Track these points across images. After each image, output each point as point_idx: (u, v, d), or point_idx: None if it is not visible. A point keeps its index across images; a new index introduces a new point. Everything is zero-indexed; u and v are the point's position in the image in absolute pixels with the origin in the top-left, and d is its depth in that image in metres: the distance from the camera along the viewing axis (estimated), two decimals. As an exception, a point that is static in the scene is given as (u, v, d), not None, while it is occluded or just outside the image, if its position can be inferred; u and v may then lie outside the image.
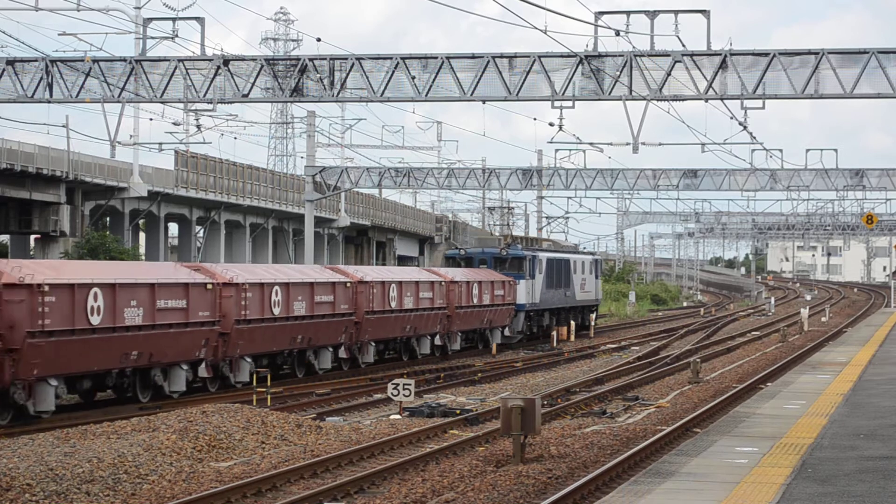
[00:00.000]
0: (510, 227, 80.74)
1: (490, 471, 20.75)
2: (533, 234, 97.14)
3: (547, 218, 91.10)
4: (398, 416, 29.11)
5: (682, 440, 22.96)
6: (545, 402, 30.52)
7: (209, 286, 32.26)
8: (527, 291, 54.78)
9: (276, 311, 35.23)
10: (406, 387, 28.75)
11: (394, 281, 42.45)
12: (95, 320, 27.97)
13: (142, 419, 24.28)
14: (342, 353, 39.56)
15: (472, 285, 48.55)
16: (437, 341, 46.07)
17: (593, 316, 65.99)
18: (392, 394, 29.02)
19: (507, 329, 53.09)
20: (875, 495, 15.03)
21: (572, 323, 60.33)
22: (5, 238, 74.52)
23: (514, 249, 56.27)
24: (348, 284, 39.40)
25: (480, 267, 54.66)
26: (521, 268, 55.10)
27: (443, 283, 45.59)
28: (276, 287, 35.12)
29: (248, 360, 34.01)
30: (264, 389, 31.21)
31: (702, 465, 17.38)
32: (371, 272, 42.49)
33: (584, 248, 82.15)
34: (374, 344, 41.24)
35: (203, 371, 32.60)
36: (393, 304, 42.12)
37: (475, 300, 48.90)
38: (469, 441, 24.08)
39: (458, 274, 48.55)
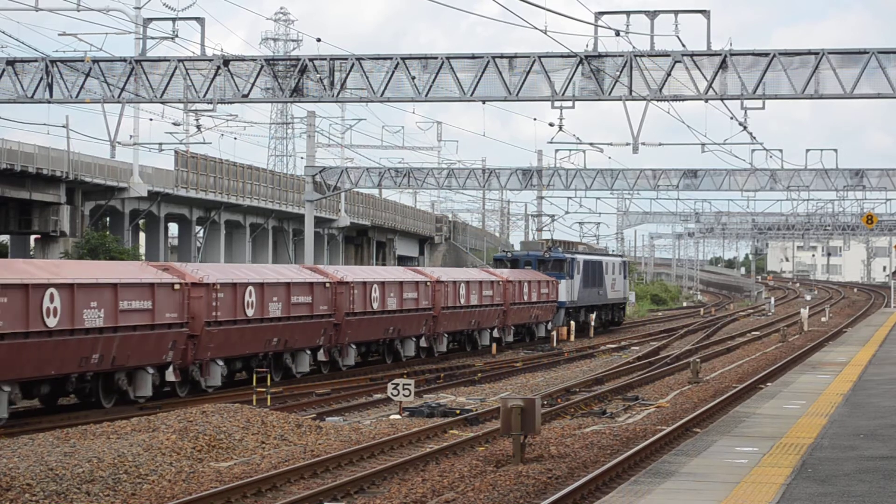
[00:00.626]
0: (550, 231, 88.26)
1: (490, 471, 20.75)
2: (533, 234, 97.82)
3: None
4: (398, 416, 29.11)
5: (682, 440, 22.96)
6: (545, 402, 30.52)
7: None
8: (567, 290, 60.50)
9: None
10: (406, 387, 28.75)
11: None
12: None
13: (142, 419, 24.28)
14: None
15: (522, 284, 53.63)
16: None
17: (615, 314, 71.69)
18: (392, 394, 29.02)
19: (549, 324, 57.79)
20: (875, 495, 15.04)
21: (572, 323, 60.46)
22: (5, 238, 74.52)
23: (556, 252, 61.92)
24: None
25: (525, 268, 59.86)
26: (562, 269, 60.70)
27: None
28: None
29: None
30: (264, 389, 31.20)
31: (702, 465, 17.38)
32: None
33: (612, 250, 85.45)
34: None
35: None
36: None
37: (525, 298, 53.98)
38: (469, 441, 24.08)
39: (512, 275, 53.38)
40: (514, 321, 53.13)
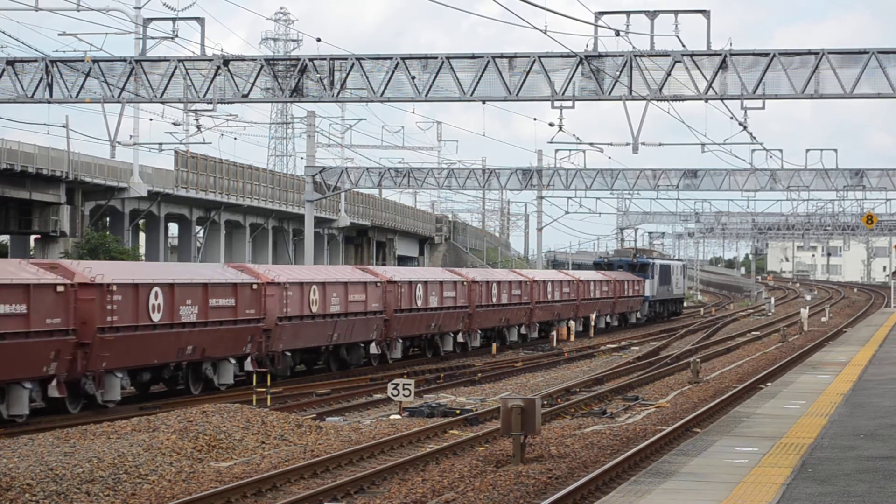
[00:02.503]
0: (633, 241, 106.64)
1: (490, 471, 20.75)
2: (532, 234, 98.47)
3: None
4: (398, 416, 29.11)
5: (682, 440, 22.96)
6: (545, 402, 30.52)
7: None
8: (650, 287, 77.30)
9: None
10: (406, 387, 28.75)
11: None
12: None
13: (142, 419, 24.28)
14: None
15: (624, 283, 71.38)
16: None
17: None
18: (392, 394, 29.03)
19: (638, 313, 75.49)
20: (875, 495, 15.04)
21: (572, 323, 60.60)
22: (5, 238, 74.55)
23: (641, 258, 79.33)
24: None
25: (618, 270, 75.55)
26: (646, 271, 77.41)
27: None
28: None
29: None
30: (264, 389, 31.20)
31: (702, 465, 17.38)
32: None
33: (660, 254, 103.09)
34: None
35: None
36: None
37: (625, 293, 71.68)
38: (469, 441, 24.08)
39: (618, 276, 71.19)
40: (620, 310, 71.11)
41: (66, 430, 23.89)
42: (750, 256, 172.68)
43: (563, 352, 51.09)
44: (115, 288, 28.85)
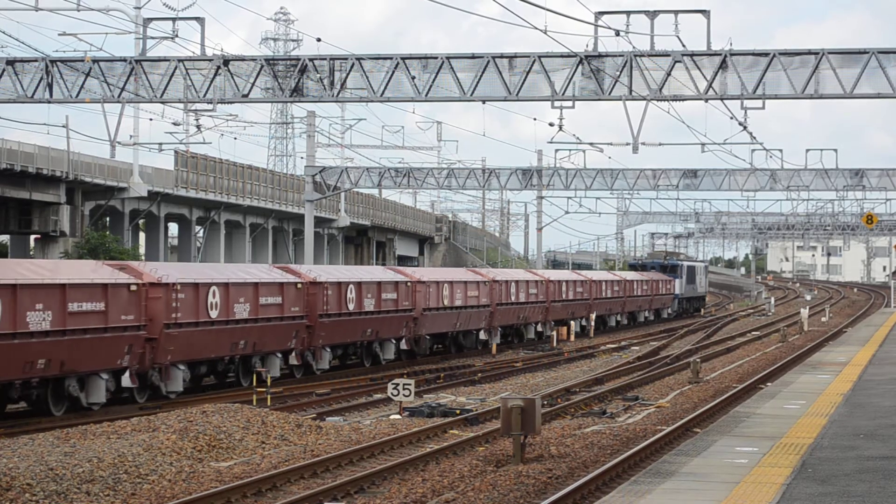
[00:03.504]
0: (665, 245, 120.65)
1: (490, 471, 20.75)
2: (532, 234, 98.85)
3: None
4: (398, 416, 29.11)
5: (682, 440, 22.96)
6: (545, 402, 30.52)
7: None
8: (679, 286, 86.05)
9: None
10: (406, 387, 28.75)
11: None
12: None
13: (142, 419, 24.28)
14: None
15: (657, 283, 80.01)
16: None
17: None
18: (392, 394, 29.03)
19: (669, 309, 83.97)
20: (875, 495, 15.04)
21: (572, 323, 60.67)
22: (5, 238, 74.54)
23: (671, 260, 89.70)
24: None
25: (651, 271, 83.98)
26: (676, 271, 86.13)
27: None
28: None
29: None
30: (264, 389, 31.21)
31: (702, 465, 17.38)
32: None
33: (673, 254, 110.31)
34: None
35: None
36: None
37: (658, 291, 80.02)
38: (469, 441, 24.07)
39: (652, 276, 79.90)
40: (655, 307, 79.70)
41: (66, 430, 23.89)
42: (750, 256, 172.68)
43: (563, 352, 51.09)
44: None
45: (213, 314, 32.34)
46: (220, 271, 34.63)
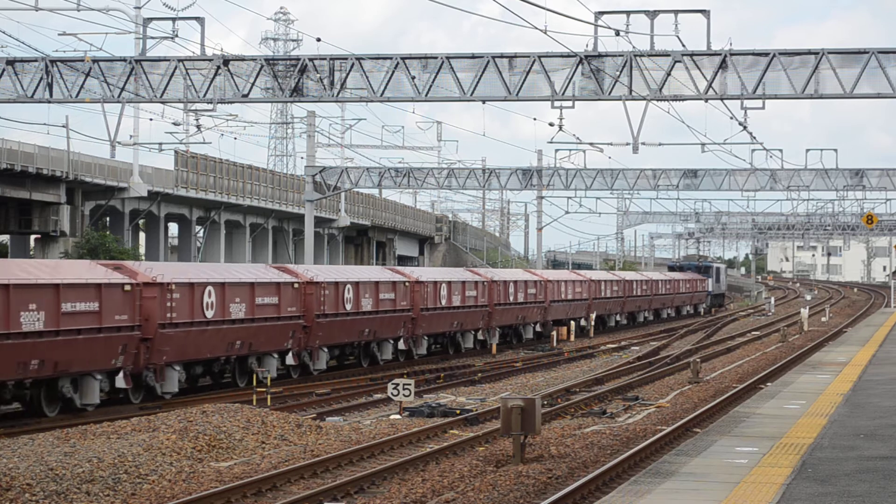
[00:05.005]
0: (698, 249, 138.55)
1: (490, 471, 20.75)
2: (532, 234, 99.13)
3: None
4: (398, 416, 29.10)
5: (682, 440, 22.96)
6: (545, 402, 30.52)
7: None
8: (711, 284, 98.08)
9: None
10: (406, 387, 28.75)
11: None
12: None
13: (142, 419, 24.28)
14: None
15: (696, 281, 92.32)
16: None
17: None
18: (392, 394, 29.02)
19: (702, 305, 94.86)
20: (875, 495, 15.03)
21: (572, 324, 60.69)
22: (5, 238, 74.53)
23: (704, 262, 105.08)
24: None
25: (687, 272, 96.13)
26: (708, 272, 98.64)
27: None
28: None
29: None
30: (264, 389, 31.20)
31: (702, 465, 17.38)
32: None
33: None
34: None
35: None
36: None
37: (696, 289, 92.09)
38: (469, 441, 24.07)
39: (692, 276, 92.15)
40: (694, 302, 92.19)
41: (66, 430, 23.89)
42: (750, 256, 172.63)
43: (563, 352, 51.09)
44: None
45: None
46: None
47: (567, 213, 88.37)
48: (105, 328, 28.33)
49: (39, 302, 26.50)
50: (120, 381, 29.05)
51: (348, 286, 39.33)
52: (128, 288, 29.15)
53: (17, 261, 29.87)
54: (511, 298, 53.14)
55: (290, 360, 36.45)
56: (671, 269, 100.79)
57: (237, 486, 18.90)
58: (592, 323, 64.19)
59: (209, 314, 32.09)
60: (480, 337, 50.46)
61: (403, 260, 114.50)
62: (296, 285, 36.47)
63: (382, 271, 45.02)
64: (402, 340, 43.16)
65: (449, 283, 46.66)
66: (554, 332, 56.33)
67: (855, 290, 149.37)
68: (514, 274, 56.90)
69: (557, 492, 18.46)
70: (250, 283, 34.19)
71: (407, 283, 43.31)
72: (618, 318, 70.97)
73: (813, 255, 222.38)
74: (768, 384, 32.56)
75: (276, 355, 35.65)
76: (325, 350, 38.26)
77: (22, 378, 26.45)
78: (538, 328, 57.68)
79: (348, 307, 39.27)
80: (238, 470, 20.79)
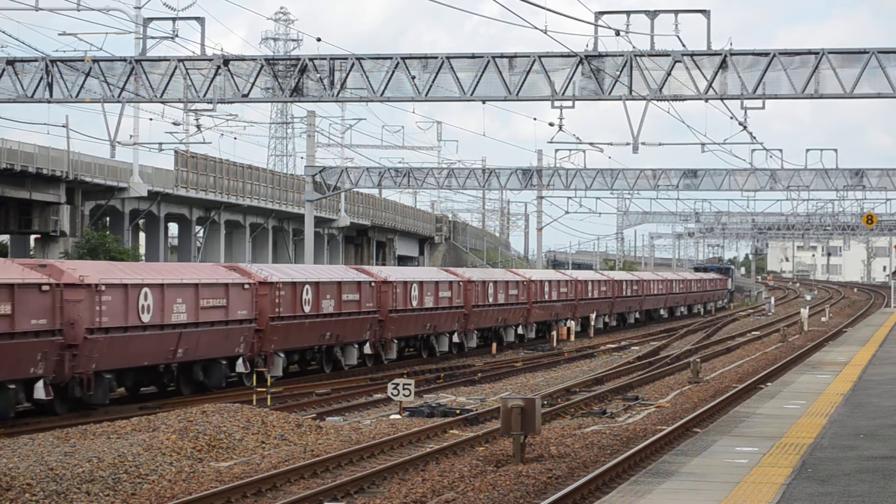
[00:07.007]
0: (721, 252, 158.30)
1: (490, 471, 20.75)
2: (532, 234, 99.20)
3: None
4: (398, 416, 29.11)
5: (682, 440, 22.96)
6: (545, 402, 30.51)
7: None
8: (730, 283, 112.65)
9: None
10: (406, 387, 28.75)
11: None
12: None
13: (142, 419, 24.28)
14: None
15: (718, 281, 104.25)
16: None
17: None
18: (392, 394, 29.02)
19: (722, 301, 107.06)
20: (875, 495, 15.03)
21: (571, 324, 60.71)
22: (5, 238, 74.50)
23: (725, 264, 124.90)
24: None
25: (710, 272, 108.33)
26: (728, 272, 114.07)
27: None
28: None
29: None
30: (264, 389, 31.19)
31: (702, 465, 17.38)
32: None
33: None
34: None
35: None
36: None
37: (718, 287, 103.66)
38: (469, 441, 24.08)
39: (715, 276, 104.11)
40: (714, 299, 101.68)
41: (66, 430, 23.89)
42: (750, 256, 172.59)
43: (563, 352, 51.09)
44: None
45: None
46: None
47: (567, 213, 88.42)
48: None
49: (188, 297, 28.64)
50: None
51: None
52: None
53: (202, 265, 30.95)
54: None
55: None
56: (696, 269, 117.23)
57: (237, 486, 18.90)
58: (592, 323, 64.21)
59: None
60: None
61: (404, 260, 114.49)
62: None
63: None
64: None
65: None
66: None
67: (855, 290, 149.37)
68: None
69: (557, 492, 18.46)
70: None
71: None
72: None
73: (813, 256, 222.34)
74: (768, 384, 32.56)
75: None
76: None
77: (169, 363, 28.30)
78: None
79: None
80: (238, 470, 20.79)
